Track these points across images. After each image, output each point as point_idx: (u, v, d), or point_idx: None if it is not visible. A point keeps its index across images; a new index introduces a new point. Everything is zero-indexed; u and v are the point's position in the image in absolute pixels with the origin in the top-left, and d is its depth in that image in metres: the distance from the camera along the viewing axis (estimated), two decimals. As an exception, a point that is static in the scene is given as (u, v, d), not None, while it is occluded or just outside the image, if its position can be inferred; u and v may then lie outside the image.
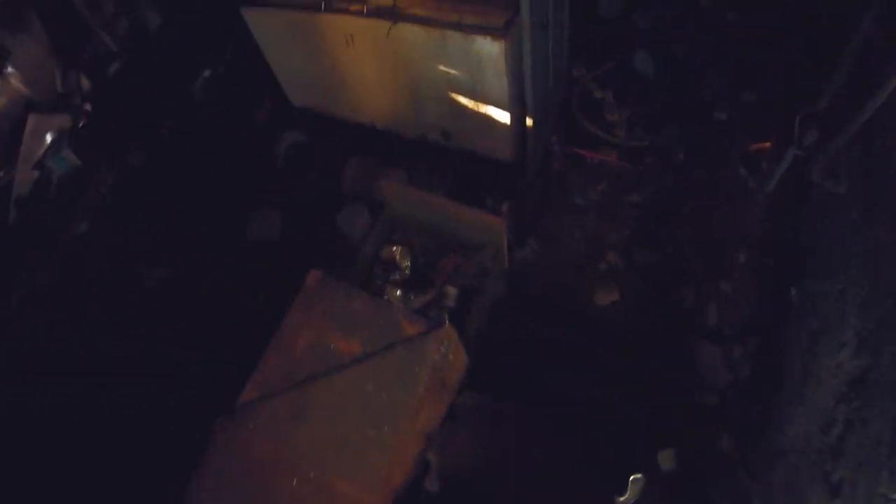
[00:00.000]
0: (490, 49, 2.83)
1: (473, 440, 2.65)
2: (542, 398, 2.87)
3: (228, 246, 3.92)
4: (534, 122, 3.20)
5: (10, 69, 3.41)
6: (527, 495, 2.50)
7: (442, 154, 3.71)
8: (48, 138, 3.62)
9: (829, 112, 2.76)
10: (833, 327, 2.25)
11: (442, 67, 3.11)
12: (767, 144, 3.77)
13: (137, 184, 4.03)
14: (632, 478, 2.48)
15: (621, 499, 2.48)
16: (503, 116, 3.16)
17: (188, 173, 4.22)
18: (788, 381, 2.56)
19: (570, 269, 3.44)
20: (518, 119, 3.20)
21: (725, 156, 3.78)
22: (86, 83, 3.88)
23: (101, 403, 3.18)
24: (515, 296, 3.33)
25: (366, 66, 3.40)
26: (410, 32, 3.01)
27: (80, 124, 3.81)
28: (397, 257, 3.15)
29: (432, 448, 2.56)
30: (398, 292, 3.06)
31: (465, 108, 3.26)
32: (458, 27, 2.86)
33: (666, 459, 2.69)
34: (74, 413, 3.17)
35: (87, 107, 3.86)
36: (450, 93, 3.24)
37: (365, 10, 3.08)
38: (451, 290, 3.00)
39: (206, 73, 4.44)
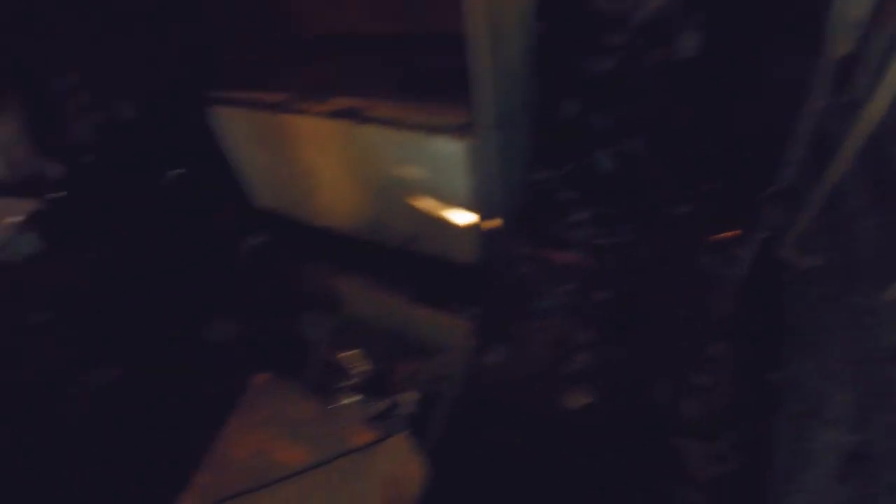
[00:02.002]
0: (454, 149, 2.83)
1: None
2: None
3: (184, 347, 3.74)
4: (498, 225, 3.18)
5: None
6: None
7: (406, 258, 3.63)
8: (12, 221, 3.56)
9: (794, 189, 2.75)
10: (820, 406, 2.14)
11: (405, 169, 3.12)
12: (736, 232, 3.77)
13: (94, 278, 3.90)
14: None
15: None
16: (467, 219, 3.14)
17: (146, 271, 4.11)
18: (780, 470, 2.39)
19: (539, 374, 3.31)
20: (482, 221, 3.18)
21: (691, 247, 3.77)
22: (57, 170, 3.86)
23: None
24: (483, 402, 3.18)
25: (328, 168, 3.41)
26: (374, 134, 3.03)
27: (47, 210, 3.75)
28: (353, 361, 3.02)
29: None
30: (353, 398, 2.90)
31: (428, 211, 3.24)
32: (422, 128, 2.87)
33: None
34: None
35: (57, 194, 3.82)
36: (413, 195, 3.24)
37: (328, 112, 3.11)
38: (410, 396, 2.86)
39: (175, 171, 4.43)
